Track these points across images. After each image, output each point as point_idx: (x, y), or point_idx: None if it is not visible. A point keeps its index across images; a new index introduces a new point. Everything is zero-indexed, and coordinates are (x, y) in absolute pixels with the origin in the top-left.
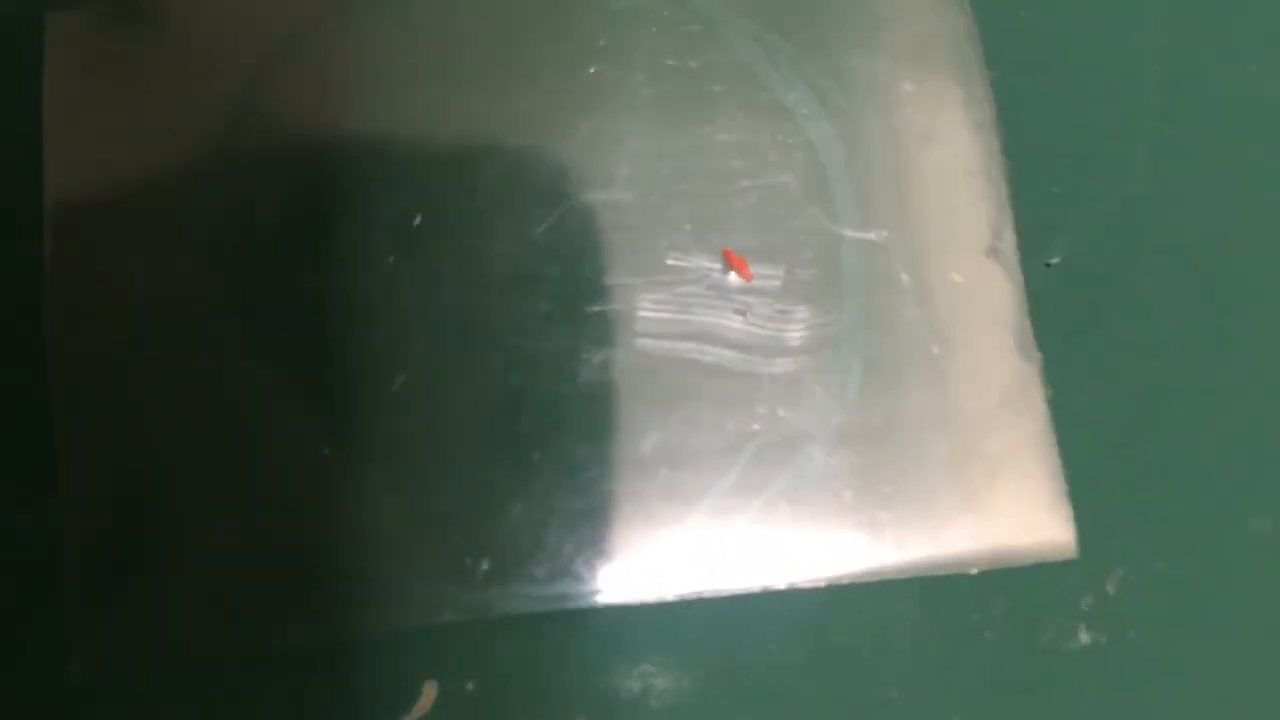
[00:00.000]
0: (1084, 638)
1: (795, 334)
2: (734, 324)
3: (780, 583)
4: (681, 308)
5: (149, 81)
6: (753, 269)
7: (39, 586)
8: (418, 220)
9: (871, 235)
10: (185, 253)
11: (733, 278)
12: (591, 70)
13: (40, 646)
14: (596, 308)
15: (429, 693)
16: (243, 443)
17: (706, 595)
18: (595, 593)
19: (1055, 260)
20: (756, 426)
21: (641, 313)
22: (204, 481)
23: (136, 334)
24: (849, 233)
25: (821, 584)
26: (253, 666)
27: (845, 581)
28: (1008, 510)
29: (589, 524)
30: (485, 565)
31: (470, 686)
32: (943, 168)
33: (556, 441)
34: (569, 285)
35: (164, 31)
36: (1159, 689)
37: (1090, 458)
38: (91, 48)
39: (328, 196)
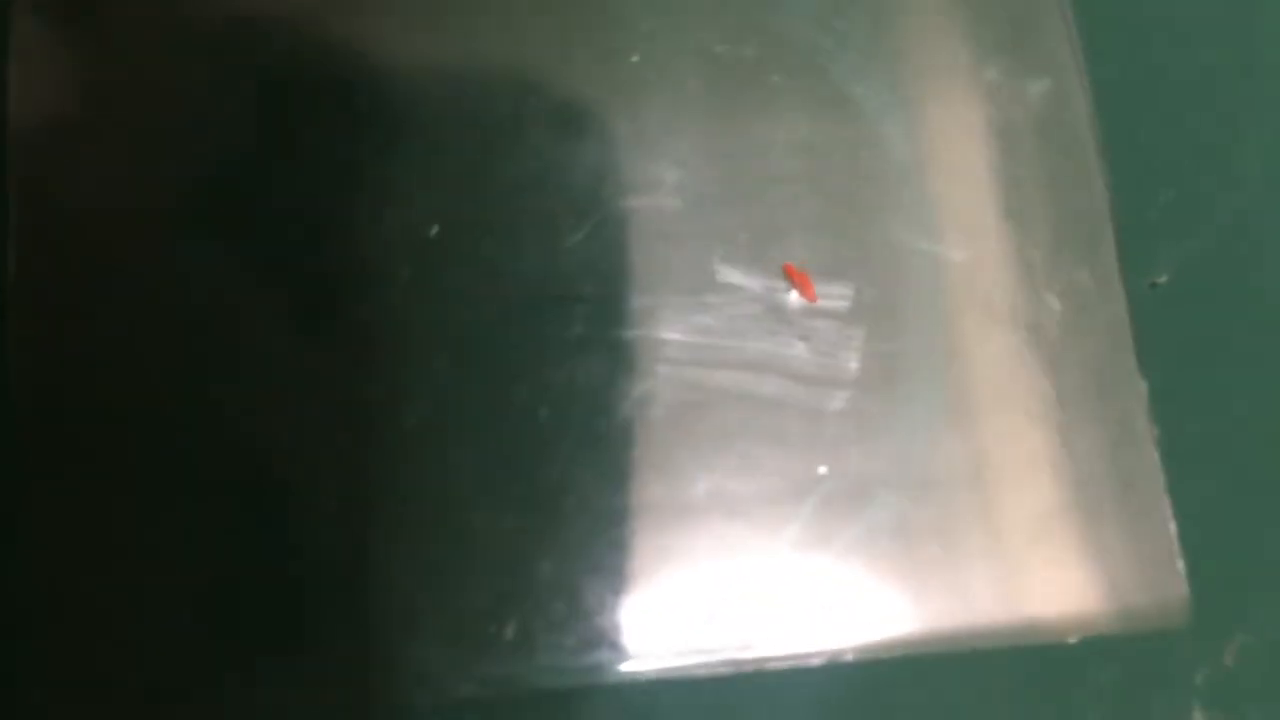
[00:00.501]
0: (1198, 717)
1: (866, 363)
2: (796, 351)
3: (850, 652)
4: (735, 332)
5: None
6: (817, 288)
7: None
8: (434, 231)
9: (952, 250)
10: (175, 270)
11: (794, 298)
12: (633, 59)
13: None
14: (638, 332)
15: None
16: (230, 488)
17: (765, 666)
18: (635, 664)
19: (1162, 279)
20: (822, 470)
21: (690, 338)
22: (181, 528)
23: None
24: (926, 246)
25: (898, 654)
26: None
27: (926, 651)
28: (1111, 568)
29: (629, 583)
30: (510, 631)
31: None
32: (1032, 172)
33: (592, 487)
34: (606, 306)
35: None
36: None
37: (1205, 506)
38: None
39: (331, 204)
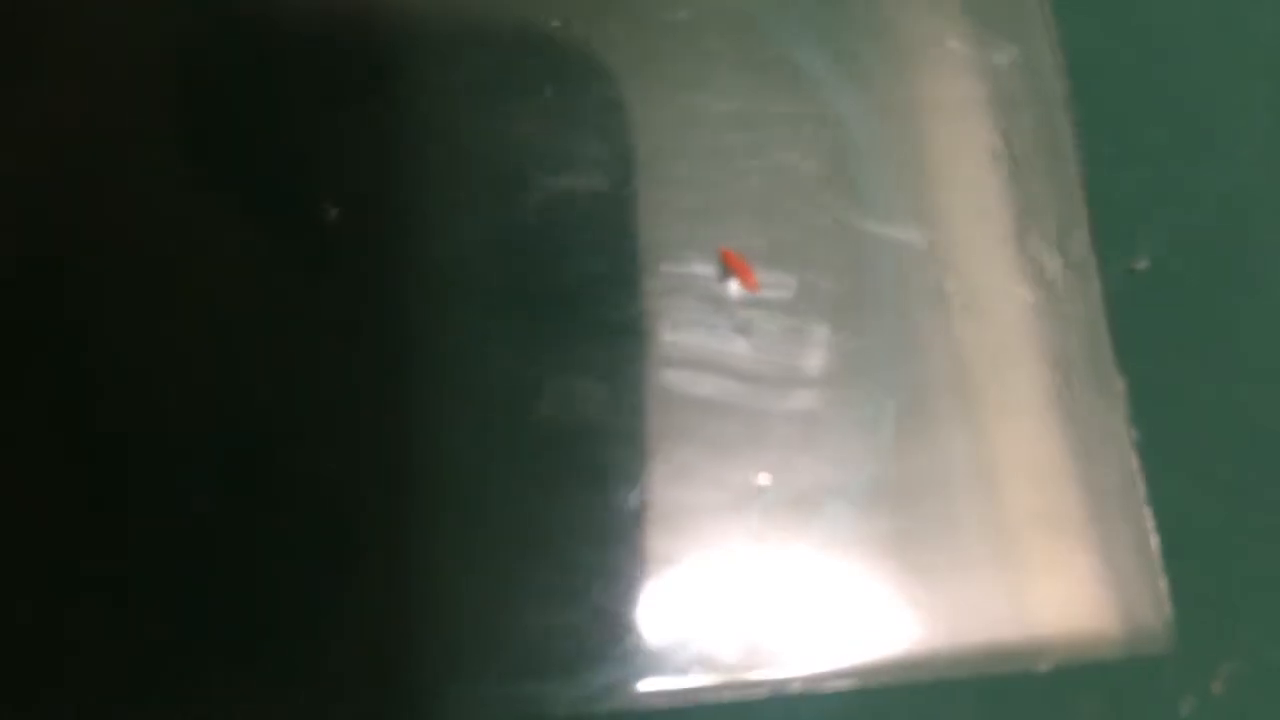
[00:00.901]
0: None
1: (813, 360)
2: (735, 347)
3: (797, 682)
4: (668, 325)
5: None
6: (758, 275)
7: None
8: (333, 213)
9: (908, 233)
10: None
11: (733, 286)
12: (554, 23)
13: None
14: (556, 326)
15: None
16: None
17: (702, 699)
18: (558, 698)
19: (1141, 264)
20: (766, 479)
21: (616, 332)
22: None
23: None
24: (880, 230)
25: (847, 684)
26: None
27: (881, 681)
28: (1085, 587)
29: (553, 606)
30: (420, 666)
31: None
32: (999, 149)
33: (512, 498)
34: (525, 296)
35: None
36: None
37: (1191, 519)
38: None
39: (218, 180)
